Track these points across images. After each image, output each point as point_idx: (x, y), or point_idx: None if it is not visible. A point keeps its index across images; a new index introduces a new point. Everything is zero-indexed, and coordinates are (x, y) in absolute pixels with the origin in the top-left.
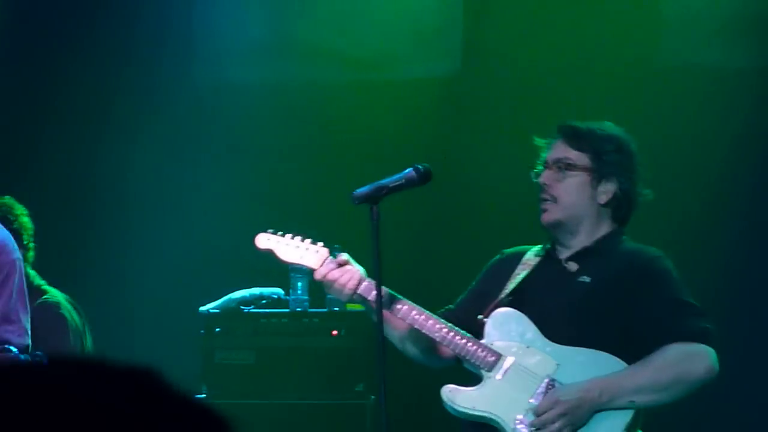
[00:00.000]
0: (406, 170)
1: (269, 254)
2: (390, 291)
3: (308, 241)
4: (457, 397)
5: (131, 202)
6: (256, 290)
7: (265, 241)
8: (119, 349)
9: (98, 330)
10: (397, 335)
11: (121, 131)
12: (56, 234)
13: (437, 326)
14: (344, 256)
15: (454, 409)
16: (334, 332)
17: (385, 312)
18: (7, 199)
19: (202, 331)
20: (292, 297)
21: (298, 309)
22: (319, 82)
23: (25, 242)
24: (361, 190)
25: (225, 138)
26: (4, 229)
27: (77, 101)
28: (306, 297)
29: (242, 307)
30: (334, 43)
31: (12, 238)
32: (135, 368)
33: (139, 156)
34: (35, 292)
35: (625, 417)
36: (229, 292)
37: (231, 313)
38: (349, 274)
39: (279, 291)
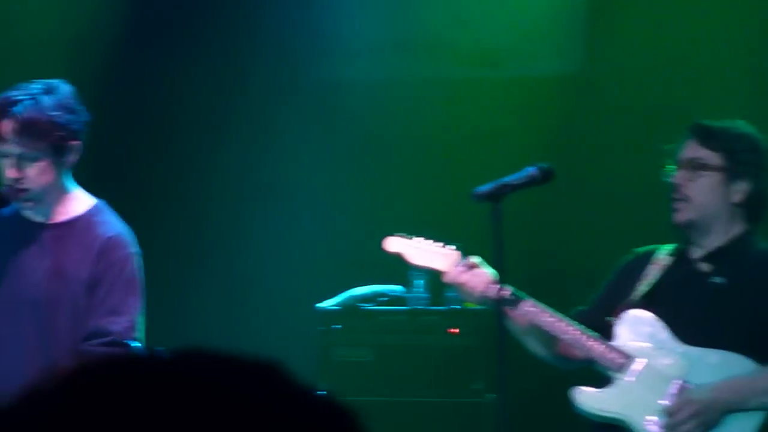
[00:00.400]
0: (529, 168)
1: (399, 257)
2: (518, 292)
3: (438, 243)
4: (588, 398)
5: (253, 198)
6: (375, 287)
7: (395, 244)
8: (238, 344)
9: (219, 324)
10: (525, 336)
11: (244, 128)
12: (179, 229)
13: (566, 327)
14: (474, 259)
15: (585, 411)
16: (453, 330)
17: (513, 313)
18: None
19: (320, 328)
20: (412, 294)
21: (417, 306)
22: (440, 79)
23: None
24: (483, 188)
25: (347, 135)
26: (122, 223)
27: (200, 99)
28: (425, 294)
29: (361, 305)
30: (455, 39)
31: (130, 232)
32: (261, 360)
33: (261, 152)
34: None
35: (757, 418)
36: (349, 289)
37: (350, 310)
38: (479, 277)
39: (398, 288)
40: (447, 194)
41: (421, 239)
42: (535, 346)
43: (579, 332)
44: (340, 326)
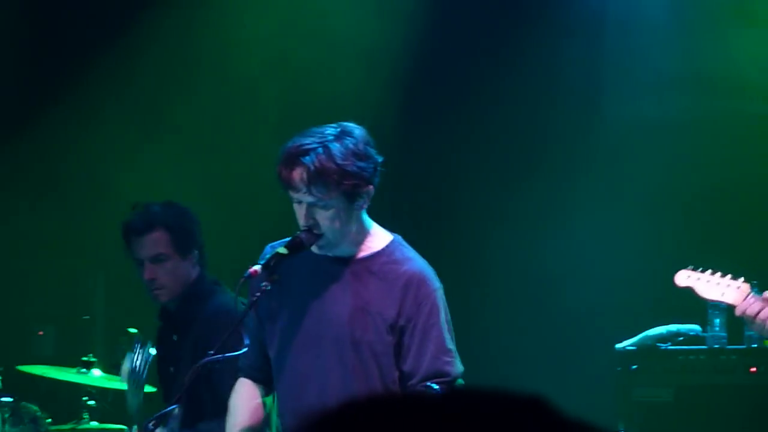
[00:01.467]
0: None
1: (689, 291)
2: None
3: (728, 277)
4: None
5: (550, 239)
6: (672, 327)
7: (684, 278)
8: (538, 383)
9: (519, 362)
10: None
11: (540, 169)
12: (475, 266)
13: None
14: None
15: None
16: (753, 369)
17: None
18: None
19: (618, 369)
20: (710, 333)
21: (716, 346)
22: (730, 116)
23: None
24: None
25: (641, 173)
26: (421, 258)
27: (495, 139)
28: (723, 333)
29: (659, 344)
30: (744, 75)
31: (430, 267)
32: (529, 396)
33: (556, 192)
34: None
35: None
36: (646, 329)
37: (648, 350)
38: None
39: (696, 327)
40: (744, 230)
41: (711, 272)
42: None
43: None
44: (638, 366)
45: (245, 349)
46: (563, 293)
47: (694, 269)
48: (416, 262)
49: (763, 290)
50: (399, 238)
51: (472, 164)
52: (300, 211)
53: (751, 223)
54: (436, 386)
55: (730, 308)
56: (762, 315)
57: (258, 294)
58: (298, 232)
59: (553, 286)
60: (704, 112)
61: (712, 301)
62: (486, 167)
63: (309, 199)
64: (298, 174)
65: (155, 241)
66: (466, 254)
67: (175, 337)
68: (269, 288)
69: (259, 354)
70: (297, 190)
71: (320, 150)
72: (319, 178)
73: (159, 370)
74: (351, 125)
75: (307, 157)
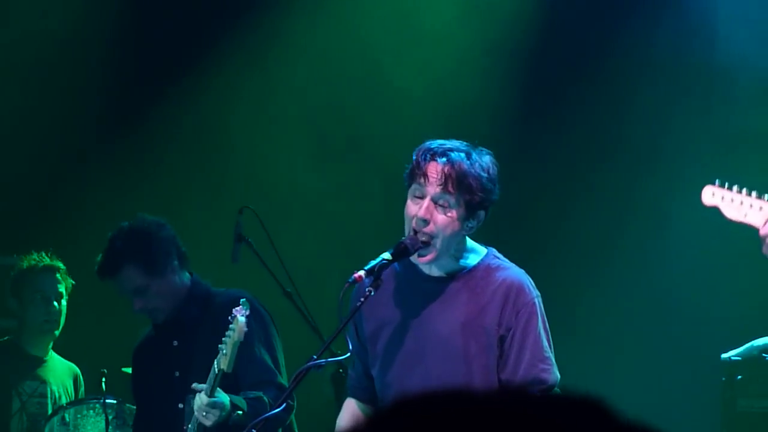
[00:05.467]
0: None
1: (716, 210)
2: None
3: (754, 195)
4: None
5: (658, 248)
6: None
7: (710, 196)
8: (640, 391)
9: (619, 370)
10: None
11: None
12: (573, 275)
13: None
14: None
15: None
16: None
17: None
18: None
19: (723, 379)
20: None
21: None
22: None
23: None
24: None
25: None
26: (517, 267)
27: (603, 138)
28: None
29: (765, 355)
30: None
31: (527, 276)
32: (585, 398)
33: (661, 195)
34: None
35: None
36: (753, 339)
37: (753, 360)
38: None
39: None
40: None
41: (737, 190)
42: None
43: None
44: (742, 377)
45: (348, 354)
46: (667, 302)
47: (721, 185)
48: (512, 270)
49: None
50: (493, 250)
51: (585, 166)
52: (414, 207)
53: None
54: None
55: (747, 225)
56: None
57: (362, 299)
58: (403, 239)
59: (658, 294)
60: None
61: (736, 222)
62: (599, 168)
63: (437, 193)
64: (439, 166)
65: (128, 278)
66: (571, 259)
67: (175, 343)
68: (373, 294)
69: (362, 374)
70: (429, 181)
71: (466, 155)
72: (457, 177)
73: (149, 379)
74: (484, 149)
75: (455, 155)
